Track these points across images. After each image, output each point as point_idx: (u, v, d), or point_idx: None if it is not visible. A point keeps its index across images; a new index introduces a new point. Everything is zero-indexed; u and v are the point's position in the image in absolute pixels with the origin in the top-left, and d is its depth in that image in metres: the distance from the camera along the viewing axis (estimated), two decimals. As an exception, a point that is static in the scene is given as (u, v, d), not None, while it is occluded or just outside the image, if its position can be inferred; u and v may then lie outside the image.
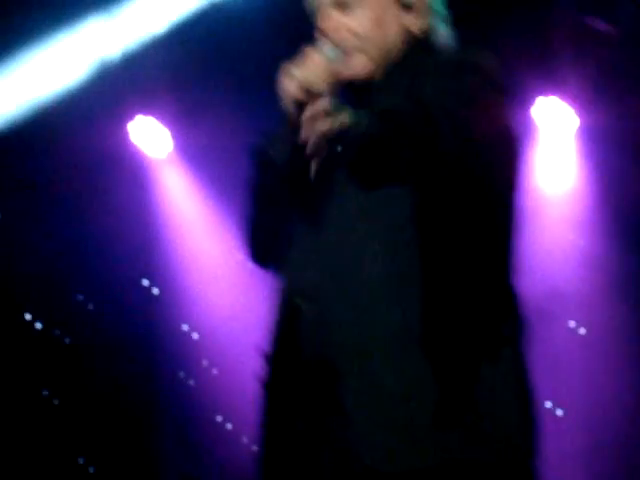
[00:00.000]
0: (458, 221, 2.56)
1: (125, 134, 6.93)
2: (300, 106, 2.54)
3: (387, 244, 2.59)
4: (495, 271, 2.65)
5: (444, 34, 2.75)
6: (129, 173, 6.95)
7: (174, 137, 7.02)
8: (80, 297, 7.03)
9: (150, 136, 6.97)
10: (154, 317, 7.20)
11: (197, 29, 6.60)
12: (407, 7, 2.71)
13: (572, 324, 6.86)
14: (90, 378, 6.94)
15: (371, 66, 2.68)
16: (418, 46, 2.75)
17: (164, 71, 6.68)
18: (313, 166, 2.69)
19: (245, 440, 7.04)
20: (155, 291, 7.23)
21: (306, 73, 2.53)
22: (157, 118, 6.93)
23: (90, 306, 7.06)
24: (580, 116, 6.75)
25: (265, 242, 2.90)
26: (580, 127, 6.80)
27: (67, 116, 6.44)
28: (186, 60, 6.72)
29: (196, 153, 7.05)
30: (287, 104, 2.56)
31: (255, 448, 6.01)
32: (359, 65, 2.68)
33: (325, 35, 2.66)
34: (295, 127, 2.56)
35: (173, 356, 7.22)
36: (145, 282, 7.22)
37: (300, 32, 2.93)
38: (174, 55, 6.68)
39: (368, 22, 2.68)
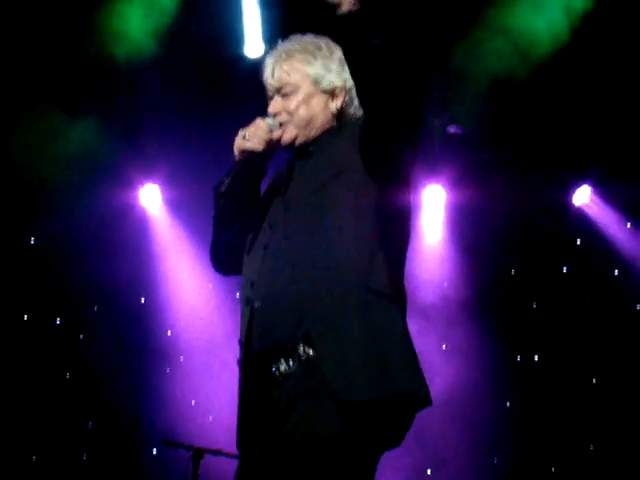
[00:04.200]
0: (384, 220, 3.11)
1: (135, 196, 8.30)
2: (241, 153, 3.26)
3: (333, 236, 3.11)
4: (397, 270, 3.17)
5: (357, 105, 3.30)
6: (135, 223, 8.34)
7: (164, 192, 8.35)
8: (95, 307, 8.33)
9: (150, 197, 8.36)
10: (145, 322, 8.38)
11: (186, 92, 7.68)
12: (329, 93, 3.34)
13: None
14: (96, 363, 8.09)
15: (296, 135, 3.32)
16: (337, 120, 3.35)
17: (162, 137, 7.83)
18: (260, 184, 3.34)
19: (211, 418, 8.21)
20: (146, 303, 8.46)
21: (251, 131, 3.26)
22: (154, 180, 8.28)
23: (100, 313, 8.32)
24: (449, 196, 8.29)
25: (224, 256, 3.44)
26: (448, 204, 8.36)
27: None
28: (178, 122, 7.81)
29: (181, 204, 8.35)
30: (235, 152, 3.27)
31: (212, 419, 7.15)
32: (288, 133, 3.31)
33: (272, 113, 3.33)
34: (239, 167, 3.25)
35: (157, 350, 8.34)
36: (141, 299, 8.46)
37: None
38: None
39: (298, 105, 3.31)
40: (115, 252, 8.12)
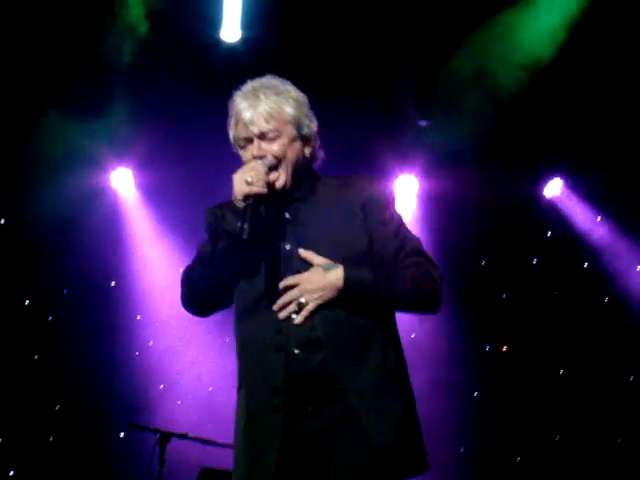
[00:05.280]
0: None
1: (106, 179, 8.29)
2: (246, 198, 3.21)
3: None
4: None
5: (321, 153, 3.47)
6: (106, 208, 8.32)
7: (137, 178, 8.36)
8: (65, 290, 8.31)
9: (123, 180, 8.36)
10: (115, 305, 8.37)
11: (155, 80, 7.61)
12: (306, 139, 3.40)
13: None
14: (65, 345, 8.15)
15: (285, 177, 3.34)
16: (310, 166, 3.43)
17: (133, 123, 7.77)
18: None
19: (179, 402, 8.30)
20: (117, 287, 8.43)
21: (253, 175, 3.23)
22: (127, 165, 8.28)
23: (70, 295, 8.28)
24: (422, 186, 8.39)
25: (216, 295, 3.39)
26: (420, 194, 8.46)
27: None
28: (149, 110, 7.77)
29: (153, 191, 8.38)
30: (236, 196, 3.22)
31: (180, 403, 7.16)
32: (282, 177, 3.33)
33: (259, 157, 3.31)
34: (242, 210, 3.19)
35: (126, 334, 8.36)
36: (112, 282, 8.43)
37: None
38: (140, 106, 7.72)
39: (284, 149, 3.34)
40: (86, 235, 8.12)
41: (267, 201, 3.31)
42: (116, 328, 8.36)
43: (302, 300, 3.22)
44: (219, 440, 6.39)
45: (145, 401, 8.24)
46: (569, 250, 8.75)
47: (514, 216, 8.61)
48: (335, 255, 3.26)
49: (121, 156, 8.24)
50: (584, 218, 8.77)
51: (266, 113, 3.33)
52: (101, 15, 7.20)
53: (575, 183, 8.76)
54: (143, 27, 7.34)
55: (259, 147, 3.33)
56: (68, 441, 8.14)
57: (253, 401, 3.29)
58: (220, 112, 7.75)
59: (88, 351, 8.19)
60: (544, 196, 8.83)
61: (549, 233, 8.85)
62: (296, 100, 3.40)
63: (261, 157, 3.32)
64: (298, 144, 3.38)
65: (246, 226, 3.19)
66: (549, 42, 7.46)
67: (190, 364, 8.46)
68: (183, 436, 6.34)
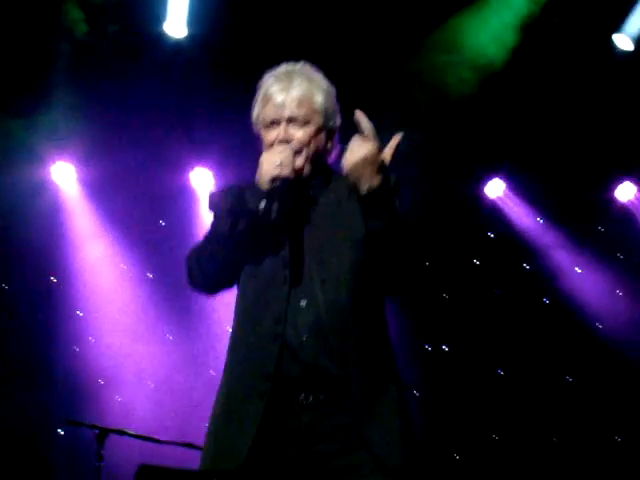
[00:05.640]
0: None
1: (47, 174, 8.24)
2: (274, 180, 3.21)
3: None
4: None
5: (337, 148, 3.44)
6: (46, 202, 8.26)
7: (78, 173, 8.32)
8: (4, 285, 8.25)
9: (64, 175, 8.32)
10: (55, 301, 8.35)
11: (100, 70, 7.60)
12: (330, 132, 3.40)
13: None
14: (4, 339, 8.07)
15: (307, 165, 3.33)
16: (326, 159, 3.42)
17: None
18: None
19: (119, 398, 8.27)
20: (57, 282, 8.37)
21: (283, 159, 3.23)
22: (68, 160, 8.23)
23: (9, 290, 8.24)
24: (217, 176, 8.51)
25: (227, 276, 3.36)
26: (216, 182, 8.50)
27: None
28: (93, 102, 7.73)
29: (95, 185, 8.37)
30: (264, 177, 3.22)
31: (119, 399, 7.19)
32: (306, 164, 3.33)
33: (285, 140, 3.31)
34: (269, 192, 3.20)
35: (66, 330, 8.33)
36: (52, 278, 8.36)
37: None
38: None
39: (310, 137, 3.34)
40: (26, 229, 8.09)
41: (290, 186, 3.29)
42: (56, 324, 8.33)
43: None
44: (159, 437, 6.37)
45: (84, 397, 8.20)
46: (510, 250, 8.83)
47: (456, 216, 8.66)
48: (343, 245, 3.27)
49: (62, 150, 8.18)
50: (525, 219, 8.84)
51: (298, 98, 3.33)
52: (41, 10, 7.17)
53: (516, 184, 8.83)
54: (82, 27, 7.34)
55: (286, 130, 3.34)
56: (4, 437, 7.99)
57: (240, 386, 3.27)
58: (163, 107, 7.82)
59: (27, 346, 8.16)
60: (486, 196, 8.90)
61: (491, 234, 8.92)
62: (327, 91, 3.41)
63: (287, 141, 3.32)
64: (323, 135, 3.38)
65: (275, 207, 3.21)
66: (500, 45, 7.55)
67: (131, 360, 8.44)
68: (122, 432, 6.31)
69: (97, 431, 6.18)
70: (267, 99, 3.37)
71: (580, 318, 8.79)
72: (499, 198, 8.92)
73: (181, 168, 8.58)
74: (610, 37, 7.77)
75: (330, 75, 3.50)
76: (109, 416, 7.56)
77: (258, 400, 3.20)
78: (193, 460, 6.27)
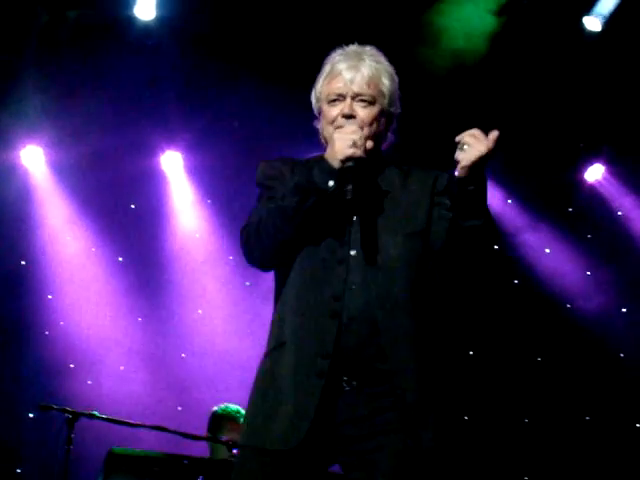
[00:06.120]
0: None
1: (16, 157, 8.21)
2: (347, 160, 3.18)
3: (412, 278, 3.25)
4: None
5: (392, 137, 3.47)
6: (16, 186, 8.23)
7: (48, 156, 8.29)
8: None
9: (33, 158, 8.31)
10: (26, 285, 8.35)
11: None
12: (390, 117, 3.42)
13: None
14: None
15: (371, 145, 3.30)
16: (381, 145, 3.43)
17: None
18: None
19: (89, 382, 8.28)
20: (27, 266, 8.35)
21: (357, 139, 3.21)
22: (38, 143, 8.20)
23: None
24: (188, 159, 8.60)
25: (285, 252, 3.31)
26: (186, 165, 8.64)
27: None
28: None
29: (65, 169, 8.35)
30: (337, 155, 3.19)
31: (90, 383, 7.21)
32: (370, 144, 3.30)
33: (349, 115, 3.32)
34: (345, 171, 3.19)
35: (37, 314, 8.30)
36: (22, 261, 8.35)
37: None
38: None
39: (373, 118, 3.34)
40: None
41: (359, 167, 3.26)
42: (26, 307, 8.30)
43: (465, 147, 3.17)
44: (129, 420, 6.36)
45: (55, 381, 8.17)
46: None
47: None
48: (399, 236, 3.28)
49: (32, 134, 8.14)
50: (495, 201, 8.79)
51: (368, 76, 3.33)
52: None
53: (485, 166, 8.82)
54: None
55: (351, 106, 3.33)
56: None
57: (295, 363, 3.21)
58: (133, 90, 7.80)
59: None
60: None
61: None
62: (393, 76, 3.42)
63: (350, 116, 3.31)
64: (384, 119, 3.39)
65: (350, 187, 3.18)
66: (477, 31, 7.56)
67: (101, 344, 8.44)
68: (92, 416, 6.28)
69: (67, 415, 6.16)
70: (335, 75, 3.36)
71: (550, 299, 8.84)
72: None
73: (151, 151, 8.58)
74: (580, 18, 7.84)
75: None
76: (79, 400, 7.50)
77: (317, 378, 3.17)
78: (164, 443, 6.51)
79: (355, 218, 3.29)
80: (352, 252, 3.25)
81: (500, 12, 7.47)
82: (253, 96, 7.84)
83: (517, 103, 8.12)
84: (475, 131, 3.16)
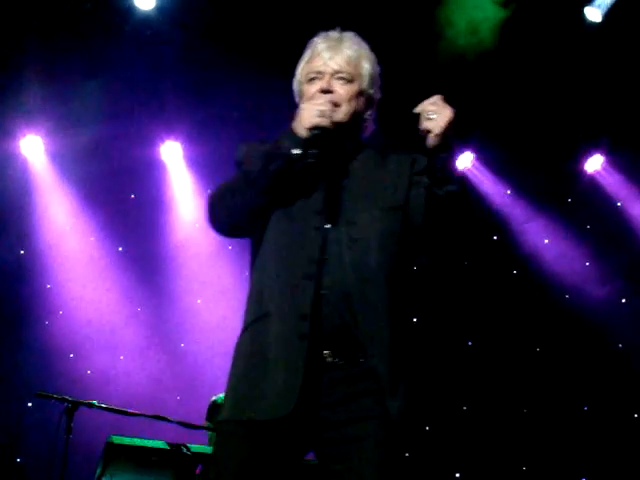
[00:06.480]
0: None
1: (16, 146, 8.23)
2: (312, 129, 3.21)
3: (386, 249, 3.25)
4: None
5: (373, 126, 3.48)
6: (15, 175, 8.26)
7: (47, 146, 8.31)
8: None
9: (32, 148, 8.32)
10: (25, 274, 8.39)
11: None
12: (369, 101, 3.43)
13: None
14: None
15: (343, 119, 3.31)
16: (360, 130, 3.44)
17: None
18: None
19: (89, 372, 8.33)
20: (26, 255, 8.39)
21: (325, 109, 3.24)
22: (37, 133, 8.23)
23: None
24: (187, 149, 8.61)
25: (249, 218, 3.32)
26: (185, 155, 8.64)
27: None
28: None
29: (63, 158, 8.38)
30: (304, 124, 3.21)
31: (89, 372, 7.23)
32: (339, 117, 3.30)
33: (327, 90, 3.33)
34: (310, 138, 3.21)
35: (36, 303, 8.35)
36: (21, 250, 8.39)
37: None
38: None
39: (351, 95, 3.35)
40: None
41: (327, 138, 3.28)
42: (25, 297, 8.33)
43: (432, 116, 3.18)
44: (129, 409, 6.36)
45: (54, 370, 8.20)
46: (480, 222, 8.74)
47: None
48: (375, 210, 3.27)
49: (31, 123, 8.15)
50: (494, 191, 8.88)
51: (347, 56, 3.36)
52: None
53: (485, 158, 8.84)
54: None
55: (329, 82, 3.35)
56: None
57: (280, 329, 3.18)
58: (133, 80, 7.75)
59: (-4, 319, 8.08)
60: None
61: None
62: (373, 61, 3.44)
63: (328, 91, 3.34)
64: (362, 100, 3.40)
65: (315, 152, 3.21)
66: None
67: (101, 333, 8.44)
68: (92, 405, 6.27)
69: (67, 404, 6.15)
70: (315, 54, 3.41)
71: (549, 289, 8.86)
72: (468, 170, 8.92)
73: (151, 141, 8.58)
74: (581, 9, 7.83)
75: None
76: (79, 389, 7.48)
77: (299, 340, 3.15)
78: (163, 432, 6.48)
79: (329, 189, 3.30)
80: (327, 224, 3.25)
81: (506, 3, 7.46)
82: (253, 86, 7.84)
83: (517, 94, 8.12)
84: (436, 98, 3.19)
